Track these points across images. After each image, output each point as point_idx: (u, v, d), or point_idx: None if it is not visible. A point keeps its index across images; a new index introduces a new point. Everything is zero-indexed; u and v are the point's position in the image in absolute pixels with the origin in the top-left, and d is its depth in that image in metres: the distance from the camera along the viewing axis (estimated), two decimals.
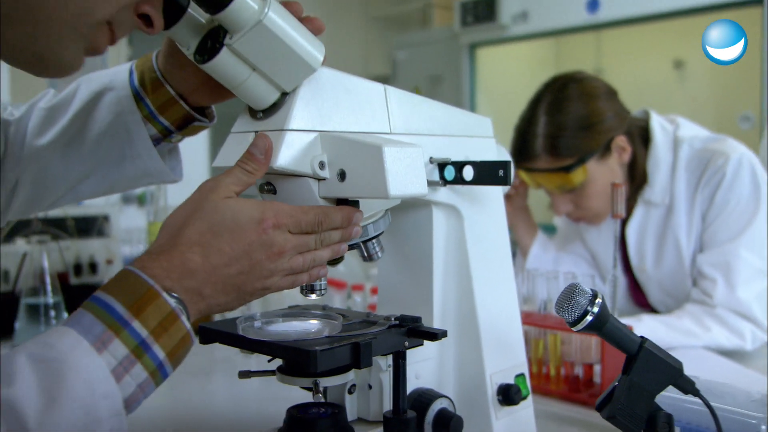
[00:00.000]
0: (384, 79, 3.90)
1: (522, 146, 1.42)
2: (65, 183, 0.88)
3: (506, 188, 0.96)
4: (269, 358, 0.79)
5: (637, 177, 1.46)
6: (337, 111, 0.73)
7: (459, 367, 0.87)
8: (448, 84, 4.38)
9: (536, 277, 1.22)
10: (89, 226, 1.78)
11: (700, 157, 1.44)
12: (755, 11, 3.14)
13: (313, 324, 0.77)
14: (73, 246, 1.70)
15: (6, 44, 0.61)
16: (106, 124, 0.84)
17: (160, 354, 0.58)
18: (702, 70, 3.97)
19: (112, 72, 0.86)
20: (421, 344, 0.78)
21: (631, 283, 1.55)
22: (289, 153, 0.69)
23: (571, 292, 0.68)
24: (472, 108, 4.19)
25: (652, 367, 0.66)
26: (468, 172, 0.80)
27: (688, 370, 0.70)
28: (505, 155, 0.95)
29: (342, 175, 0.70)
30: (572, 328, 0.67)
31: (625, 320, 1.31)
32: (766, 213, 1.37)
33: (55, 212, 1.67)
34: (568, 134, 1.38)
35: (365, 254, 0.81)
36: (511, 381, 0.87)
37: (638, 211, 1.49)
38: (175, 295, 0.60)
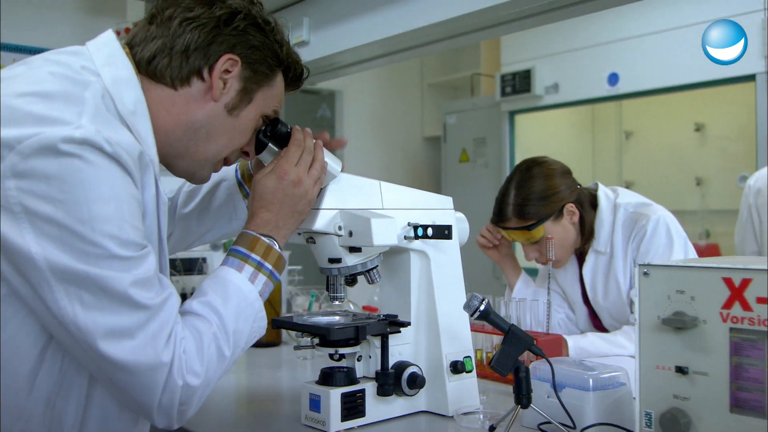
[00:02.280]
0: (436, 140, 4.55)
1: (499, 211, 1.96)
2: (198, 234, 1.48)
3: (463, 240, 1.51)
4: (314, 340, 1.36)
5: (586, 232, 1.98)
6: (349, 198, 1.31)
7: (427, 349, 1.41)
8: (491, 145, 4.94)
9: (523, 304, 1.76)
10: (192, 266, 2.40)
11: (631, 218, 1.96)
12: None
13: (335, 318, 1.35)
14: (180, 280, 2.32)
15: (175, 169, 1.20)
16: (223, 200, 1.44)
17: (269, 267, 1.13)
18: (719, 132, 4.41)
19: (225, 169, 1.46)
20: (399, 331, 1.34)
21: (590, 311, 2.07)
22: (321, 221, 1.27)
23: (471, 298, 1.22)
24: (511, 166, 4.73)
25: (515, 341, 1.19)
26: (429, 232, 1.37)
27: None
28: (461, 221, 1.50)
29: (350, 234, 1.28)
30: (471, 317, 1.22)
31: (575, 336, 1.83)
32: (680, 257, 1.87)
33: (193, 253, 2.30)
34: (531, 203, 1.91)
35: (369, 280, 1.38)
36: (460, 359, 1.41)
37: (590, 258, 2.01)
38: (267, 234, 1.16)
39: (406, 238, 1.37)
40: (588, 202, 2.00)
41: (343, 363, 1.37)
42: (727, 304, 0.96)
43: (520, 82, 4.52)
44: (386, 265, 1.45)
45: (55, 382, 0.97)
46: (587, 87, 4.26)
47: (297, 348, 1.38)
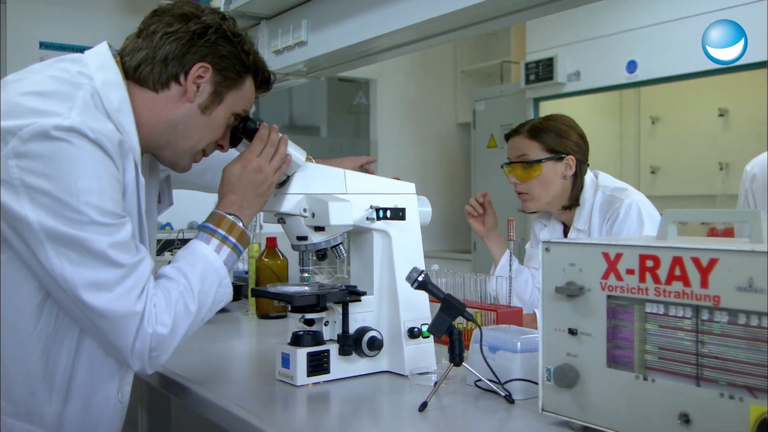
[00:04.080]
0: (468, 127, 4.71)
1: (517, 126, 2.19)
2: (197, 185, 1.72)
3: (425, 222, 1.69)
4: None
5: (570, 199, 2.15)
6: (314, 184, 1.51)
7: (388, 317, 1.61)
8: None
9: (501, 280, 1.93)
10: None
11: (607, 201, 2.11)
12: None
13: (304, 288, 1.55)
14: None
15: (160, 159, 1.42)
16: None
17: (233, 240, 1.34)
18: (743, 117, 4.44)
19: None
20: (359, 300, 1.54)
21: None
22: (288, 204, 1.48)
23: (411, 270, 1.41)
24: None
25: (450, 308, 1.38)
26: (388, 213, 1.56)
27: None
28: (424, 204, 1.69)
29: (313, 215, 1.48)
30: (412, 287, 1.41)
31: None
32: None
33: (189, 234, 2.54)
34: (547, 131, 2.12)
35: (336, 255, 1.58)
36: (417, 326, 1.60)
37: (571, 235, 2.17)
38: (232, 212, 1.36)
39: (368, 219, 1.56)
40: (582, 177, 2.16)
41: (314, 327, 1.58)
42: (605, 275, 1.13)
43: (543, 70, 4.63)
44: (354, 243, 1.64)
45: (50, 332, 1.20)
46: (608, 74, 4.35)
47: (244, 314, 1.59)
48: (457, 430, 1.30)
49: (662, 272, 1.05)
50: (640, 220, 2.03)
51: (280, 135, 1.46)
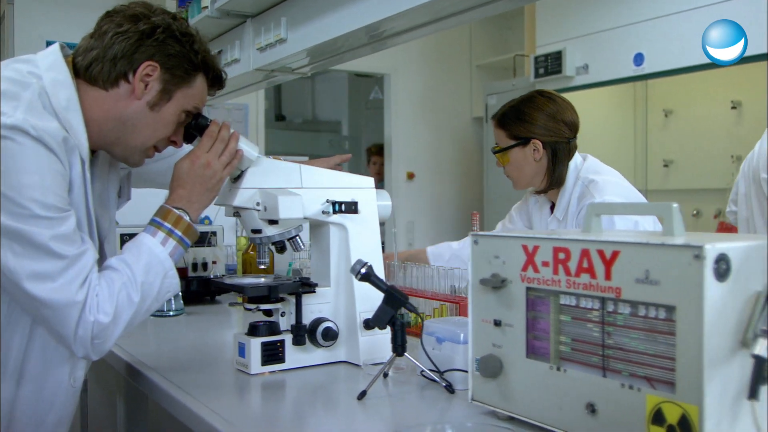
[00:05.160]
0: (481, 121, 4.74)
1: (492, 116, 2.25)
2: (158, 183, 1.75)
3: (385, 216, 1.72)
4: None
5: (552, 180, 2.17)
6: (269, 178, 1.55)
7: (345, 309, 1.64)
8: None
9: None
10: (203, 238, 2.71)
11: (583, 193, 2.11)
12: None
13: (260, 280, 1.59)
14: (191, 251, 2.63)
15: (113, 154, 1.47)
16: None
17: (179, 233, 1.39)
18: (756, 110, 4.36)
19: None
20: (312, 292, 1.58)
21: None
22: (241, 198, 1.52)
23: (356, 263, 1.44)
24: None
25: (393, 300, 1.40)
26: (342, 207, 1.59)
27: None
28: (384, 198, 1.72)
29: (266, 208, 1.52)
30: (356, 279, 1.44)
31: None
32: None
33: None
34: (509, 117, 2.16)
35: (294, 248, 1.62)
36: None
37: (551, 225, 2.18)
38: (179, 207, 1.41)
39: (324, 212, 1.60)
40: (566, 157, 2.16)
41: (273, 318, 1.62)
42: (524, 267, 1.15)
43: (552, 64, 4.61)
44: (313, 236, 1.68)
45: (3, 319, 1.27)
46: (615, 67, 4.32)
47: (230, 305, 1.64)
48: (394, 417, 1.34)
49: (572, 264, 1.07)
50: (611, 221, 2.02)
51: (232, 131, 1.51)
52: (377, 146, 5.88)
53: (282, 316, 1.61)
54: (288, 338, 1.57)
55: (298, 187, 1.59)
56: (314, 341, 1.58)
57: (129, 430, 1.93)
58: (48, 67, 1.33)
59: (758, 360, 0.87)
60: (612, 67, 4.33)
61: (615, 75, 4.33)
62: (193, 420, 1.30)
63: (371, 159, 5.83)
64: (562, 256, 1.08)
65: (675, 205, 1.05)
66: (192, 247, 2.67)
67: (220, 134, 1.48)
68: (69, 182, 1.28)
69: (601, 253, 1.03)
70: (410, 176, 6.10)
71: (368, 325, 1.61)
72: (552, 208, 2.25)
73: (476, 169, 6.12)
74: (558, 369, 1.10)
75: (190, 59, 1.42)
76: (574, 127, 2.19)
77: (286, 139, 8.08)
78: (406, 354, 1.42)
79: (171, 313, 2.31)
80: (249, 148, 1.53)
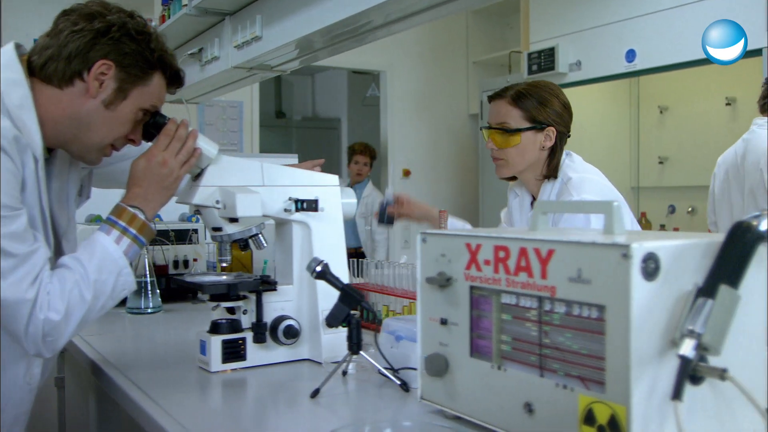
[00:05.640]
0: (475, 117, 4.73)
1: (503, 88, 2.11)
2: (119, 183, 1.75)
3: (350, 214, 1.72)
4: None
5: (548, 170, 2.11)
6: (229, 176, 1.55)
7: (308, 307, 1.64)
8: None
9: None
10: (184, 236, 2.71)
11: (561, 190, 2.08)
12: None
13: (220, 277, 1.59)
14: (172, 249, 2.63)
15: (70, 152, 1.47)
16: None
17: (133, 231, 1.39)
18: (750, 106, 4.33)
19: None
20: (273, 290, 1.58)
21: None
22: (200, 196, 1.52)
23: (311, 261, 1.44)
24: None
25: (348, 298, 1.40)
26: (303, 205, 1.59)
27: None
28: (349, 196, 1.71)
29: (225, 206, 1.52)
30: (312, 277, 1.44)
31: None
32: None
33: (161, 226, 2.61)
34: (530, 98, 2.05)
35: (256, 245, 1.62)
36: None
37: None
38: (134, 205, 1.41)
39: (286, 210, 1.60)
40: (561, 149, 2.12)
41: (236, 316, 1.62)
42: (468, 266, 1.14)
43: (545, 60, 4.59)
44: (277, 234, 1.68)
45: None
46: (608, 63, 4.29)
47: (194, 302, 1.64)
48: (347, 415, 1.34)
49: (512, 263, 1.06)
50: (587, 220, 2.00)
51: (191, 129, 1.50)
52: (361, 144, 5.49)
53: (244, 314, 1.61)
54: (250, 336, 1.57)
55: (260, 185, 1.58)
56: (276, 339, 1.58)
57: (100, 428, 1.94)
58: (2, 66, 1.33)
59: (683, 360, 0.86)
60: (604, 64, 4.30)
61: (607, 71, 4.30)
62: (144, 418, 1.31)
63: (353, 158, 5.46)
64: (502, 254, 1.08)
65: (615, 203, 1.04)
66: (173, 244, 2.70)
67: (178, 132, 1.48)
68: (22, 181, 1.28)
69: (537, 251, 1.02)
70: (406, 173, 6.09)
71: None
72: (533, 202, 2.22)
73: (472, 165, 6.10)
74: (499, 368, 1.09)
75: (146, 57, 1.42)
76: (572, 121, 2.17)
77: (285, 136, 8.09)
78: (361, 352, 1.42)
79: (149, 310, 2.32)
80: (208, 146, 1.53)
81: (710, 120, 4.56)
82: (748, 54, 3.70)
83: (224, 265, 1.62)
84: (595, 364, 0.94)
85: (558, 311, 1.00)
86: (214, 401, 1.47)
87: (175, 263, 2.63)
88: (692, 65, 3.90)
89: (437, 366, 1.18)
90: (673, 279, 0.92)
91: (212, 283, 1.53)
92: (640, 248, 0.89)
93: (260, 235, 1.61)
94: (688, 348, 0.87)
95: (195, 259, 2.66)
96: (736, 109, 4.43)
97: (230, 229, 1.56)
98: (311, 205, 1.58)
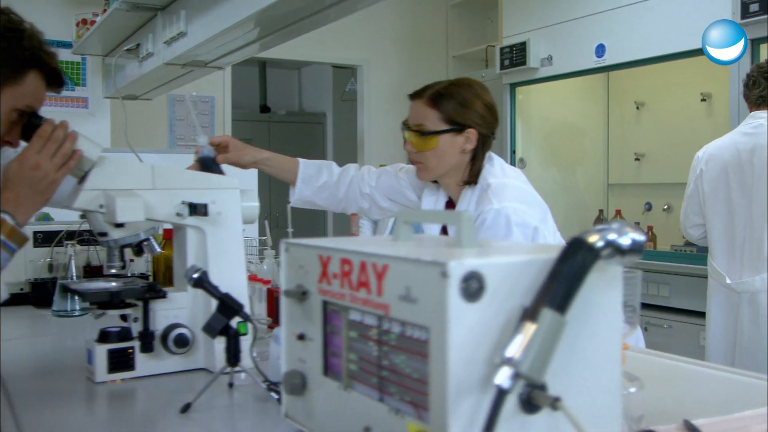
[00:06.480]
0: None
1: (422, 88, 2.00)
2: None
3: (252, 218, 1.66)
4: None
5: (469, 175, 2.01)
6: (116, 179, 1.49)
7: (203, 315, 1.57)
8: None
9: None
10: None
11: (480, 197, 1.99)
12: None
13: (108, 284, 1.54)
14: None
15: None
16: None
17: (2, 237, 1.33)
18: (726, 101, 4.25)
19: None
20: (162, 297, 1.52)
21: None
22: (81, 200, 1.46)
23: (188, 268, 1.38)
24: (512, 134, 4.74)
25: (227, 308, 1.34)
26: (195, 210, 1.53)
27: None
28: (251, 200, 1.65)
29: (108, 210, 1.46)
30: (189, 285, 1.38)
31: None
32: None
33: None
34: (449, 99, 1.93)
35: (147, 251, 1.56)
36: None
37: (450, 229, 2.08)
38: (5, 210, 1.35)
39: (178, 214, 1.54)
40: (484, 152, 2.02)
41: (127, 324, 1.57)
42: (320, 279, 1.08)
43: (516, 55, 4.51)
44: (174, 238, 1.63)
45: None
46: (578, 58, 4.21)
47: (92, 312, 1.59)
48: (216, 430, 1.28)
49: (354, 278, 1.00)
50: (508, 229, 1.90)
51: (70, 131, 1.45)
52: None
53: (135, 321, 1.56)
54: (138, 345, 1.52)
55: (150, 188, 1.52)
56: (167, 348, 1.53)
57: None
58: None
59: (499, 390, 0.80)
60: (574, 59, 4.22)
61: (578, 66, 4.21)
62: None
63: None
64: (347, 268, 1.01)
65: (467, 214, 0.98)
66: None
67: (54, 134, 1.42)
68: None
69: (374, 266, 0.95)
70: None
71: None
72: (448, 204, 2.13)
73: None
74: (346, 389, 1.03)
75: (16, 56, 1.36)
76: (497, 123, 2.07)
77: (270, 130, 8.03)
78: (241, 364, 1.36)
79: (76, 313, 2.27)
80: (90, 147, 1.47)
81: (686, 116, 4.48)
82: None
83: (113, 271, 1.56)
84: (423, 389, 0.88)
85: (394, 331, 0.93)
86: (92, 413, 1.41)
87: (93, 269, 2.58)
88: (660, 60, 3.83)
89: (291, 384, 1.12)
90: (503, 300, 0.85)
91: (93, 291, 1.47)
92: (459, 267, 0.82)
93: (151, 239, 1.55)
94: (503, 377, 0.80)
95: (132, 260, 2.61)
96: (712, 104, 4.34)
97: (116, 234, 1.50)
98: (201, 210, 1.52)
